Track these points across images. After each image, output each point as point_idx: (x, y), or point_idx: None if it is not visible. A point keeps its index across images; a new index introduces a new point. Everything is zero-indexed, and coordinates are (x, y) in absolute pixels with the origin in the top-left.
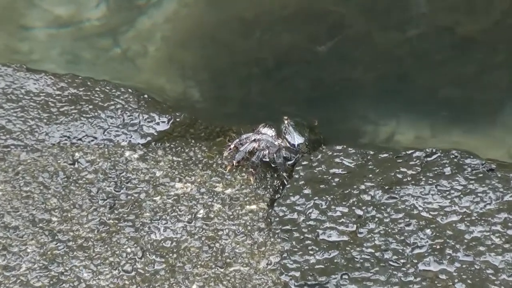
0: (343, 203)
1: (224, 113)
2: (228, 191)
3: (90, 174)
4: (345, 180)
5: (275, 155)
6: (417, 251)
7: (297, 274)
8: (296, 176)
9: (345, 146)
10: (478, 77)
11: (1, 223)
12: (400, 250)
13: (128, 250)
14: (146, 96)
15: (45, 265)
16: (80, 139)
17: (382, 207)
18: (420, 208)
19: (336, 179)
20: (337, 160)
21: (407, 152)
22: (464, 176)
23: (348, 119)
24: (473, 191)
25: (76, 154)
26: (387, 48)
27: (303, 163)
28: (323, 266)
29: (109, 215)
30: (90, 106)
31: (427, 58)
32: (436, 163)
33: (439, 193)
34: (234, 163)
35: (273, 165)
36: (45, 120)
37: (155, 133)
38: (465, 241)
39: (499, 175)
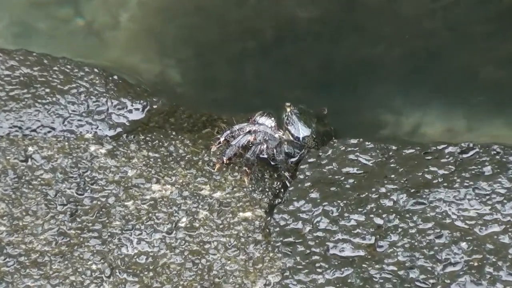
0: (359, 209)
1: (212, 98)
2: (217, 194)
3: (47, 173)
4: (361, 182)
5: (275, 151)
6: (449, 269)
7: None
8: (301, 176)
9: (361, 140)
10: None
11: None
12: (429, 268)
13: (94, 267)
14: (115, 77)
15: None
16: (34, 130)
17: (407, 215)
18: (454, 216)
19: (350, 180)
20: (351, 156)
21: (437, 147)
22: (508, 177)
23: (365, 106)
24: None
25: (30, 148)
26: (415, 18)
27: (310, 160)
28: None
29: (70, 224)
30: (47, 90)
31: (464, 32)
32: (474, 161)
33: (477, 197)
34: (225, 160)
35: (272, 163)
36: None
37: (127, 123)
38: (510, 257)
39: None
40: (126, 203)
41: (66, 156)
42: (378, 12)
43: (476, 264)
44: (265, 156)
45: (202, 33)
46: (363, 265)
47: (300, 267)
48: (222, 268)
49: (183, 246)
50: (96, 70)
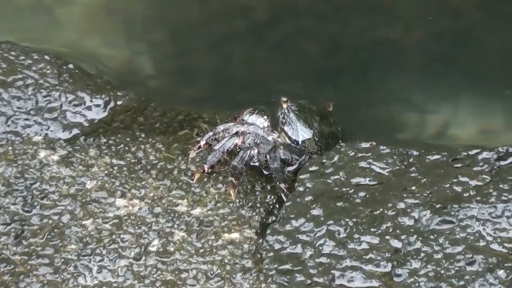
0: (372, 230)
1: (191, 93)
2: (197, 211)
3: None
4: (375, 195)
5: (268, 157)
6: None
7: None
8: (301, 188)
9: (374, 143)
10: None
11: None
12: None
13: None
14: (71, 66)
15: None
16: None
17: (432, 236)
18: (490, 238)
19: (362, 194)
20: (362, 164)
21: (469, 152)
22: None
23: (379, 102)
24: None
25: None
26: None
27: (311, 168)
28: None
29: (14, 248)
30: None
31: (499, 11)
32: None
33: None
34: (206, 169)
35: (265, 172)
36: None
37: (85, 123)
38: None
39: None
40: (84, 222)
41: (10, 164)
42: None
43: None
44: (256, 163)
45: (179, 10)
46: None
47: None
48: None
49: (155, 276)
50: (46, 57)
